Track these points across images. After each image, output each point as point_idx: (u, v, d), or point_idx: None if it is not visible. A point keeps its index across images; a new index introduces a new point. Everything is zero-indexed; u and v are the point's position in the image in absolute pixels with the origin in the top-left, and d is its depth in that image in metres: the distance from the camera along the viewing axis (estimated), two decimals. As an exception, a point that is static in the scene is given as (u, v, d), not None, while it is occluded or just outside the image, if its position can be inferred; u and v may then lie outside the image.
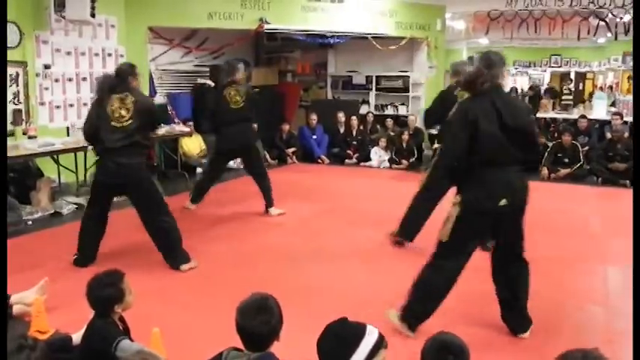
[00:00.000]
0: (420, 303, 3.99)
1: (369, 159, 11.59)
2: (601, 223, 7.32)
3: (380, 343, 2.12)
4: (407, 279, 5.16)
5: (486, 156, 3.70)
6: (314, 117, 11.94)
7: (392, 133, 11.99)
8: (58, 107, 8.33)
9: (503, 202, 3.71)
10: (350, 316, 2.23)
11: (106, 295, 2.82)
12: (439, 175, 5.28)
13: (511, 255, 3.95)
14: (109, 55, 9.29)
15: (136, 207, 5.31)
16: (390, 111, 13.24)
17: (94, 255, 5.34)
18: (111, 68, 9.26)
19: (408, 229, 6.03)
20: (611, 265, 5.77)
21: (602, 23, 11.65)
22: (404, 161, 11.20)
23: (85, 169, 7.96)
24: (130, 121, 5.04)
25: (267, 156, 11.12)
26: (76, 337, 2.95)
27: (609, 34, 12.16)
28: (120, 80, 5.21)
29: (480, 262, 4.04)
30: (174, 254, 5.24)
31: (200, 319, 4.20)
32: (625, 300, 4.92)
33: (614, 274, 5.58)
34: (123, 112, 5.03)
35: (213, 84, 11.06)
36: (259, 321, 2.25)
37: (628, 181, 9.68)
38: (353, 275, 5.29)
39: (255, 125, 7.82)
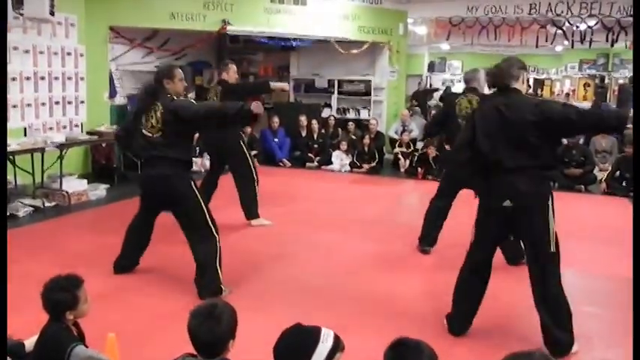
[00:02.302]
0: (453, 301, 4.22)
1: (330, 162, 11.63)
2: (556, 227, 7.45)
3: (336, 347, 2.12)
4: (368, 281, 5.23)
5: (488, 159, 3.88)
6: (276, 120, 11.94)
7: (353, 137, 12.06)
8: (14, 107, 8.17)
9: (506, 202, 3.84)
10: (311, 320, 2.23)
11: (59, 298, 2.77)
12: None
13: (531, 258, 4.06)
14: (69, 54, 9.17)
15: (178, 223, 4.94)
16: (351, 115, 13.32)
17: (131, 264, 5.21)
18: (70, 68, 9.18)
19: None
20: (565, 268, 5.88)
21: (559, 31, 11.89)
22: (365, 165, 11.28)
23: (42, 171, 7.83)
24: (158, 133, 4.66)
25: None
26: (29, 343, 2.90)
27: (566, 42, 12.41)
28: (156, 86, 4.80)
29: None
30: (202, 282, 4.75)
31: (157, 324, 4.17)
32: (576, 301, 5.05)
33: (568, 278, 5.69)
34: (153, 122, 4.66)
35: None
36: (206, 327, 2.26)
37: (583, 186, 10.01)
38: (314, 279, 5.30)
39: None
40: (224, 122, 5.17)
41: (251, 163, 7.01)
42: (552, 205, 3.95)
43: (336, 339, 2.14)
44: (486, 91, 5.93)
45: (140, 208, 5.14)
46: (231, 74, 7.06)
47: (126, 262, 5.20)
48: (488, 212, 4.01)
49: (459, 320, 4.17)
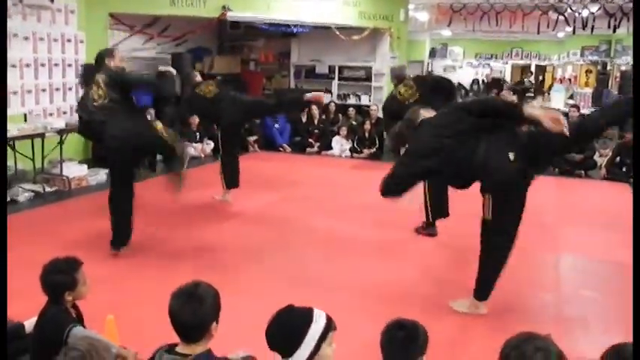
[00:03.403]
0: None
1: (330, 148, 11.65)
2: (556, 212, 7.49)
3: (329, 327, 2.13)
4: (365, 266, 5.26)
5: None
6: (277, 106, 11.92)
7: (354, 123, 12.06)
8: (14, 93, 8.16)
9: None
10: (307, 304, 2.24)
11: (58, 280, 2.80)
12: None
13: None
14: (69, 40, 9.13)
15: None
16: (352, 100, 13.32)
17: (123, 235, 5.30)
18: (70, 54, 9.15)
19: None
20: (563, 253, 5.93)
21: (561, 18, 11.86)
22: (365, 150, 11.29)
23: (43, 156, 7.85)
24: (105, 100, 5.01)
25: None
26: (29, 325, 2.93)
27: (568, 29, 12.39)
28: (98, 66, 5.21)
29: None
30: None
31: (156, 306, 4.18)
32: (575, 287, 5.08)
33: (565, 262, 5.74)
34: (100, 93, 5.02)
35: (175, 71, 11.01)
36: (188, 308, 2.21)
37: (583, 171, 10.01)
38: (312, 263, 5.33)
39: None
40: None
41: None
42: None
43: (328, 319, 2.15)
44: None
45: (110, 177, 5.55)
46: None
47: (114, 238, 5.34)
48: None
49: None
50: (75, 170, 8.05)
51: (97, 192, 7.80)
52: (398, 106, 6.20)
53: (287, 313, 2.15)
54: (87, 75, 5.24)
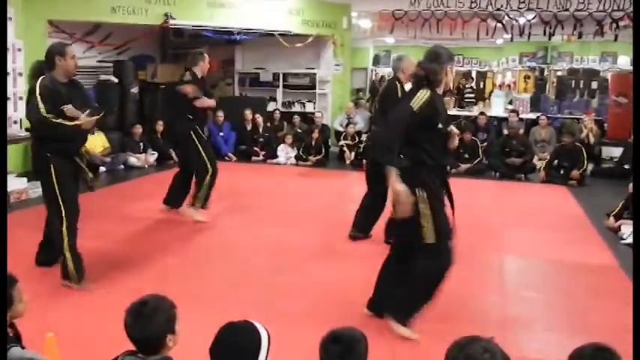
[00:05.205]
0: None
1: (276, 156, 11.64)
2: (498, 215, 7.66)
3: (269, 338, 2.13)
4: (312, 273, 5.26)
5: None
6: (221, 114, 11.85)
7: (299, 130, 12.08)
8: (-52, 104, 7.90)
9: None
10: (254, 315, 2.21)
11: (-8, 299, 2.72)
12: None
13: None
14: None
15: None
16: (297, 108, 13.35)
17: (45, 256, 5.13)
18: (8, 63, 8.90)
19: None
20: (506, 254, 6.07)
21: (499, 25, 12.15)
22: (311, 158, 11.32)
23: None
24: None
25: (173, 153, 10.98)
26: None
27: (506, 36, 12.70)
28: (47, 64, 4.69)
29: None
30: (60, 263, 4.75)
31: (97, 322, 4.11)
32: (518, 288, 5.20)
33: (509, 264, 5.87)
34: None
35: (117, 80, 10.85)
36: (137, 325, 2.23)
37: (523, 175, 10.27)
38: (259, 273, 5.30)
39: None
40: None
41: (202, 153, 6.86)
42: (429, 195, 3.92)
43: (266, 330, 2.15)
44: None
45: None
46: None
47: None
48: None
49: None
50: (14, 183, 7.80)
51: (38, 205, 7.58)
52: None
53: (232, 332, 2.10)
54: (37, 75, 4.69)
